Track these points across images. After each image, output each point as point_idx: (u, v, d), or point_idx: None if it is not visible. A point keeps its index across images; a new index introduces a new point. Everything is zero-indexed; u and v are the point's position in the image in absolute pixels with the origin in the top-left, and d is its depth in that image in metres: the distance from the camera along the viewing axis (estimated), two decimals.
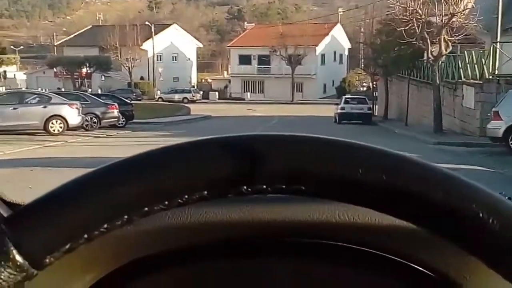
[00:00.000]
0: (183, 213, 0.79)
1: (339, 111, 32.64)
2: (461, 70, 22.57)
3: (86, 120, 23.51)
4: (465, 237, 0.44)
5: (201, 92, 61.30)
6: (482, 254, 0.44)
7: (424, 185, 0.44)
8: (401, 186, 0.44)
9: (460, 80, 22.20)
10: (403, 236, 0.73)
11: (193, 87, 68.25)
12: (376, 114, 38.86)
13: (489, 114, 16.14)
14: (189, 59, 70.60)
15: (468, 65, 21.80)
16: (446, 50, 21.60)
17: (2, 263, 0.42)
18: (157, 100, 55.55)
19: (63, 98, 22.53)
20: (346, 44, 69.01)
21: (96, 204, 0.44)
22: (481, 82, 19.91)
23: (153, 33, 59.65)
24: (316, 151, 0.45)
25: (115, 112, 24.74)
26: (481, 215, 0.43)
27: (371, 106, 34.69)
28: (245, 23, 76.64)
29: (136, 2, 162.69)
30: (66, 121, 21.49)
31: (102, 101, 25.25)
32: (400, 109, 34.21)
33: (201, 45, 74.37)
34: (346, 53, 69.68)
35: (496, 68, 20.08)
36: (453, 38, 21.92)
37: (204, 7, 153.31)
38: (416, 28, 22.29)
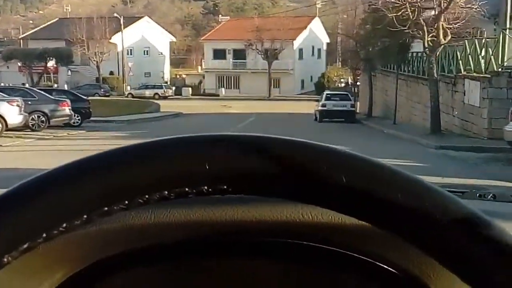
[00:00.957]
0: (147, 213, 0.79)
1: (319, 108, 29.63)
2: (460, 62, 19.64)
3: (33, 119, 20.22)
4: (419, 236, 0.44)
5: (174, 88, 57.88)
6: (436, 253, 0.44)
7: (374, 183, 0.44)
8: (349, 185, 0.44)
9: (460, 74, 19.27)
10: (368, 234, 0.72)
11: (166, 82, 64.84)
12: (358, 111, 36.11)
13: (507, 114, 13.11)
14: (161, 54, 67.02)
15: (469, 56, 18.87)
16: (445, 39, 18.64)
17: None
18: (127, 96, 52.23)
19: (3, 94, 19.18)
20: (325, 39, 66.09)
21: (54, 203, 0.43)
22: (488, 75, 16.94)
23: (122, 26, 56.01)
24: (253, 151, 0.44)
25: (67, 110, 21.43)
26: (435, 215, 0.43)
27: (354, 103, 31.72)
28: (220, 16, 73.04)
29: None
30: (5, 121, 18.18)
31: (53, 97, 21.90)
32: (385, 106, 31.30)
33: (174, 39, 70.74)
34: (325, 47, 66.77)
35: (505, 59, 17.12)
36: (451, 26, 19.00)
37: (180, 1, 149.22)
38: (410, 13, 19.28)
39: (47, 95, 21.79)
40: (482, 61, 17.70)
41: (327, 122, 28.14)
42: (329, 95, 30.58)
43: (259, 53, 53.65)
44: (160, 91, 53.67)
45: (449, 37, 18.79)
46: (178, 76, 74.82)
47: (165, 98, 53.23)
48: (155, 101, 45.19)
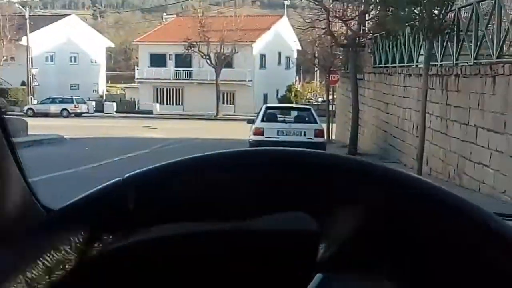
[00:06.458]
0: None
1: (252, 137, 13.62)
2: None
3: None
4: None
5: (93, 103, 41.53)
6: None
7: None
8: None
9: None
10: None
11: (101, 97, 48.69)
12: (333, 139, 20.26)
13: None
14: (95, 62, 50.64)
15: None
16: None
17: None
18: (26, 112, 36.11)
19: None
20: (296, 45, 50.09)
21: None
22: None
23: (27, 22, 39.93)
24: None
25: None
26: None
27: (323, 126, 15.58)
28: (164, 14, 56.55)
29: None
30: None
31: None
32: (384, 133, 15.25)
33: (112, 45, 54.26)
34: (295, 56, 50.80)
35: None
36: None
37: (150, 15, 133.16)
38: None
39: None
40: None
41: None
42: (273, 112, 14.58)
43: (204, 57, 37.54)
44: (69, 106, 37.43)
45: None
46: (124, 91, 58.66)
47: (78, 115, 37.34)
48: (23, 118, 28.85)
